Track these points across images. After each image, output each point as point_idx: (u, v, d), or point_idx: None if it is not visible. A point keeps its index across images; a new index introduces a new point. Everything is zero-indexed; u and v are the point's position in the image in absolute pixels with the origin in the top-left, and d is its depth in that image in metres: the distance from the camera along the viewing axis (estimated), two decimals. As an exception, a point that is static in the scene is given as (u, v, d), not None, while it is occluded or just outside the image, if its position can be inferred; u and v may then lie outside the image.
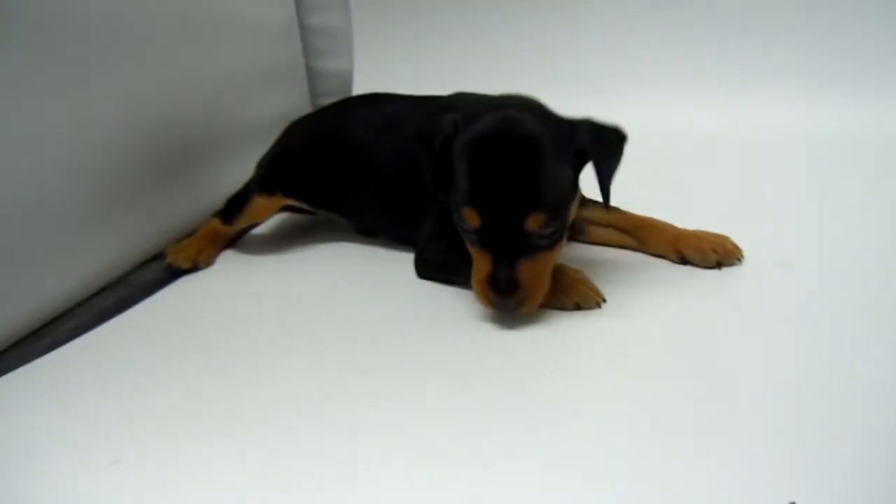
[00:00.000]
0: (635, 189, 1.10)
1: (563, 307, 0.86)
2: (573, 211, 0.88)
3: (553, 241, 0.83)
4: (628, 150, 0.86)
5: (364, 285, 1.01)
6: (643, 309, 0.87)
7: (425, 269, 1.00)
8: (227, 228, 1.16)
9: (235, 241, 1.18)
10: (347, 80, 1.68)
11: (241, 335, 0.90)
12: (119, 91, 1.10)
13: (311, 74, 1.70)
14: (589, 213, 1.02)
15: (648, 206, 1.05)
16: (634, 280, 0.93)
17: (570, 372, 0.78)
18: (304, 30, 1.66)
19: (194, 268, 1.11)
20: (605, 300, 0.86)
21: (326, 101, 1.71)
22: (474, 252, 0.85)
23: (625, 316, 0.85)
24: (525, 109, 0.86)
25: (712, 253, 0.96)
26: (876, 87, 1.40)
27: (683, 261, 0.97)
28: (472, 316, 0.88)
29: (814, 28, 1.43)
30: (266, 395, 0.76)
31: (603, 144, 0.85)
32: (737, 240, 0.98)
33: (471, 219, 0.82)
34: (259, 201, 1.13)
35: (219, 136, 1.28)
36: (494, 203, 0.80)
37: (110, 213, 1.09)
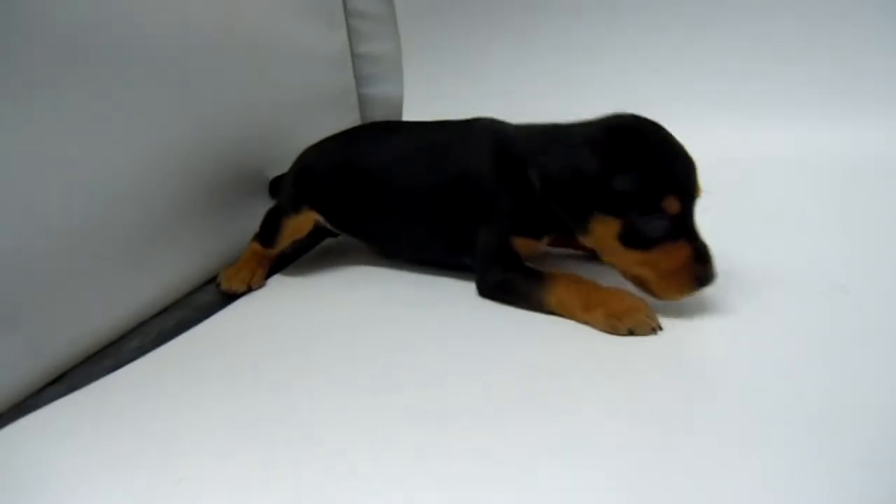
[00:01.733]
0: None
1: (616, 332, 0.87)
2: None
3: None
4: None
5: (413, 306, 1.02)
6: (699, 333, 0.86)
7: (489, 289, 1.00)
8: (269, 251, 1.19)
9: (287, 265, 1.21)
10: (398, 105, 1.71)
11: (298, 355, 0.92)
12: (178, 118, 1.14)
13: (363, 101, 1.74)
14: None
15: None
16: (688, 304, 0.93)
17: (629, 399, 0.77)
18: (356, 57, 1.70)
19: (248, 290, 1.14)
20: (661, 328, 0.87)
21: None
22: (660, 251, 0.87)
23: (681, 341, 0.85)
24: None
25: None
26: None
27: None
28: (512, 332, 0.90)
29: (862, 48, 1.42)
30: (321, 410, 0.78)
31: None
32: (790, 263, 1.00)
33: (672, 206, 0.87)
34: (290, 222, 1.17)
35: (273, 162, 1.32)
36: (687, 184, 0.88)
37: (170, 237, 1.13)
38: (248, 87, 1.33)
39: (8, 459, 0.77)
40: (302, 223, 1.18)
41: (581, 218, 0.91)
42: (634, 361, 0.82)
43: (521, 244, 1.00)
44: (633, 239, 0.88)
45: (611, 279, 0.93)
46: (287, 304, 1.09)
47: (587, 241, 0.94)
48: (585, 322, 0.89)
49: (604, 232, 0.90)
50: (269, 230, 1.19)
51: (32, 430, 0.82)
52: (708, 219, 1.14)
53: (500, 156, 1.01)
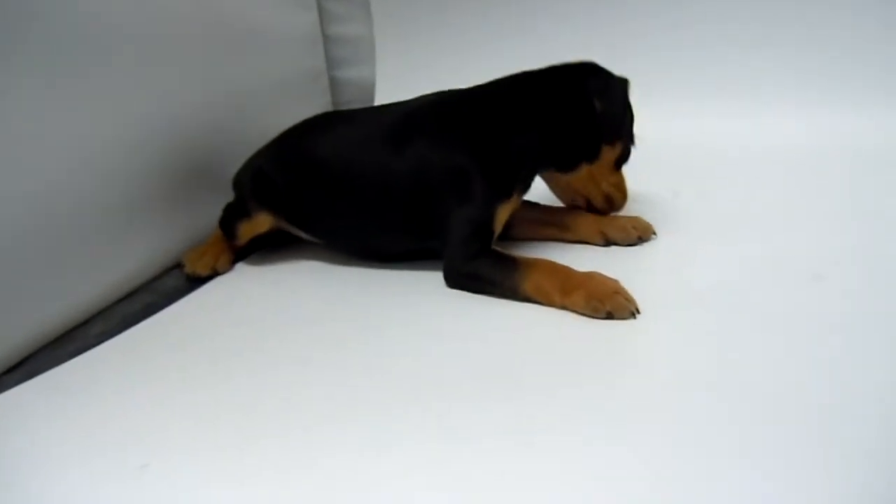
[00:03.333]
0: (668, 199, 1.20)
1: (595, 315, 0.87)
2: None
3: None
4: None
5: (383, 292, 1.01)
6: (673, 319, 0.86)
7: (459, 278, 0.99)
8: (231, 245, 1.17)
9: (255, 250, 1.20)
10: (370, 88, 1.69)
11: (264, 342, 0.91)
12: (144, 101, 1.12)
13: (334, 83, 1.71)
14: (516, 211, 1.06)
15: (680, 216, 1.13)
16: (666, 290, 0.93)
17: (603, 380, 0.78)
18: (327, 39, 1.68)
19: (213, 274, 1.12)
20: (639, 311, 0.87)
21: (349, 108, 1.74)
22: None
23: (656, 326, 0.85)
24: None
25: (633, 230, 1.07)
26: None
27: (607, 242, 1.07)
28: (486, 316, 0.91)
29: (852, 40, 1.43)
30: (289, 398, 0.77)
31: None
32: (769, 251, 1.01)
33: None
34: (245, 225, 1.13)
35: (242, 145, 1.29)
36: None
37: (135, 221, 1.11)
38: (217, 69, 1.31)
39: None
40: (257, 226, 1.14)
41: (608, 139, 1.05)
42: (610, 344, 0.82)
43: (502, 213, 0.99)
44: (620, 162, 1.09)
45: (579, 264, 0.93)
46: (254, 291, 1.08)
47: (581, 173, 1.06)
48: (563, 307, 0.89)
49: (610, 157, 1.07)
50: (227, 227, 1.16)
51: (-9, 417, 0.80)
52: (697, 206, 1.18)
53: (465, 123, 1.01)
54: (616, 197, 1.10)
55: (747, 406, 0.69)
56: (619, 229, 1.07)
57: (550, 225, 1.10)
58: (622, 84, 1.06)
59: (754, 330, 0.82)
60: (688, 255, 1.03)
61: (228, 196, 1.18)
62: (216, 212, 1.21)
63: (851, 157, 1.30)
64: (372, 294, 1.01)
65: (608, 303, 0.86)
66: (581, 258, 0.97)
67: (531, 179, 1.06)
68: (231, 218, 1.15)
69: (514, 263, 0.94)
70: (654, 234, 1.08)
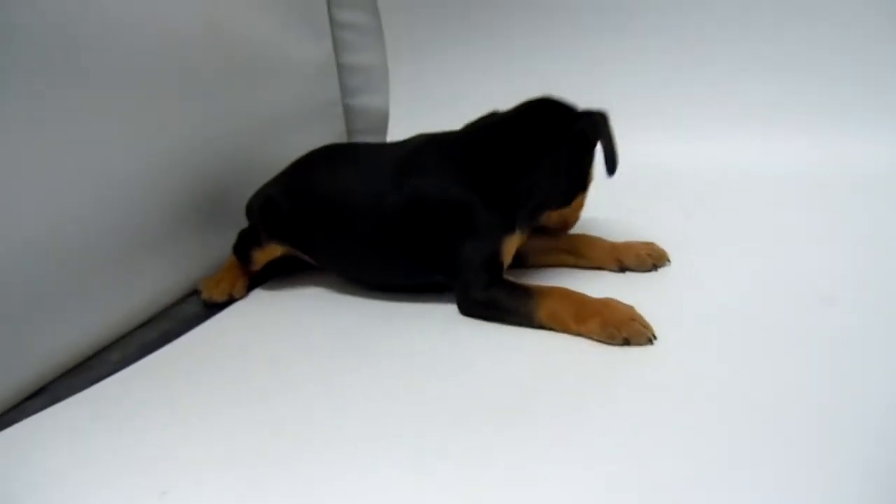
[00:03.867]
0: (680, 222, 1.21)
1: (612, 342, 0.87)
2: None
3: None
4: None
5: (397, 320, 1.02)
6: (689, 344, 0.86)
7: (473, 307, 0.98)
8: (246, 270, 1.18)
9: (272, 276, 1.21)
10: (383, 116, 1.71)
11: (281, 368, 0.91)
12: (161, 131, 1.13)
13: (348, 112, 1.73)
14: (531, 239, 1.08)
15: (693, 239, 1.14)
16: (681, 315, 0.93)
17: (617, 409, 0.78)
18: (341, 68, 1.70)
19: (230, 300, 1.13)
20: (655, 337, 0.87)
21: (362, 138, 1.76)
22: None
23: (671, 352, 0.85)
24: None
25: (648, 258, 1.07)
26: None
27: (622, 269, 1.07)
28: (499, 345, 0.91)
29: (854, 66, 1.43)
30: (307, 423, 0.78)
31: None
32: (781, 274, 1.01)
33: None
34: (257, 253, 1.15)
35: (257, 172, 1.31)
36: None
37: (153, 249, 1.12)
38: (233, 98, 1.32)
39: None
40: (269, 253, 1.15)
41: (611, 171, 1.04)
42: (626, 371, 0.82)
43: (509, 245, 1.00)
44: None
45: (593, 290, 0.93)
46: (270, 317, 1.09)
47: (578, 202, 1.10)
48: (579, 334, 0.89)
49: (593, 176, 1.10)
50: (241, 253, 1.17)
51: (13, 443, 0.81)
52: (710, 229, 1.19)
53: (467, 162, 1.02)
54: (577, 217, 1.13)
55: (764, 430, 0.69)
56: (635, 256, 1.07)
57: (565, 252, 1.11)
58: (605, 117, 1.06)
59: (768, 354, 0.83)
60: (701, 279, 1.03)
61: (243, 223, 1.19)
62: (232, 239, 1.22)
63: (862, 181, 1.30)
64: (388, 320, 1.02)
65: (624, 329, 0.87)
66: (596, 284, 0.97)
67: (538, 217, 1.06)
68: (245, 245, 1.17)
69: (528, 291, 0.95)
70: (669, 260, 1.08)
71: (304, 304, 1.11)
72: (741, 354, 0.83)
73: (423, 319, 1.00)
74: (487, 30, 1.63)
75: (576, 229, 1.14)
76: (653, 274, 1.06)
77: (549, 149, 1.03)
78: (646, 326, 0.87)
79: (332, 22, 1.66)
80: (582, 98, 1.53)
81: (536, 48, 1.62)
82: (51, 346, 0.96)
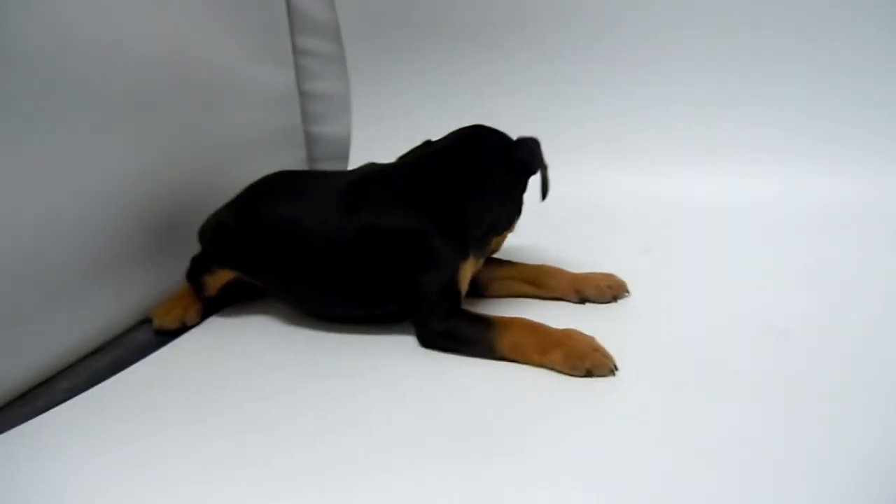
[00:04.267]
0: (637, 257, 1.22)
1: (574, 373, 0.87)
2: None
3: None
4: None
5: (355, 349, 1.01)
6: (649, 375, 0.87)
7: (433, 338, 0.97)
8: (199, 297, 1.16)
9: (227, 304, 1.19)
10: (345, 144, 1.71)
11: (233, 397, 0.90)
12: (118, 155, 1.12)
13: (310, 139, 1.73)
14: (489, 270, 1.11)
15: (651, 273, 1.14)
16: (642, 346, 0.94)
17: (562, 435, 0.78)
18: (304, 95, 1.70)
19: (182, 327, 1.11)
20: (617, 368, 0.88)
21: (324, 165, 1.75)
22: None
23: (632, 383, 0.86)
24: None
25: (608, 289, 1.08)
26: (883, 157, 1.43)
27: (582, 300, 1.08)
28: (460, 374, 0.91)
29: (808, 99, 1.46)
30: (259, 454, 0.76)
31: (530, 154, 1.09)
32: (736, 307, 1.03)
33: None
34: (208, 279, 1.13)
35: (217, 199, 1.29)
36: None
37: (106, 275, 1.09)
38: (193, 123, 1.31)
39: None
40: (220, 280, 1.13)
41: (544, 196, 1.11)
42: (588, 402, 0.83)
43: (465, 271, 1.00)
44: None
45: (554, 321, 0.94)
46: (225, 345, 1.07)
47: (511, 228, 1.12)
48: (541, 365, 0.89)
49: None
50: (193, 280, 1.15)
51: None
52: (667, 263, 1.20)
53: (415, 191, 1.02)
54: (502, 242, 1.15)
55: (723, 459, 0.71)
56: (594, 287, 1.08)
57: (524, 282, 1.11)
58: (539, 144, 1.11)
59: (725, 384, 0.84)
60: (659, 310, 1.05)
61: (198, 249, 1.17)
62: (184, 266, 1.20)
63: (820, 216, 1.34)
64: (345, 349, 1.01)
65: (587, 360, 0.87)
66: (556, 315, 0.98)
67: (488, 242, 1.08)
68: (197, 271, 1.15)
69: (488, 322, 0.95)
70: (628, 291, 1.09)
71: (261, 333, 1.09)
72: (699, 386, 0.85)
73: (381, 348, 0.99)
74: (450, 59, 1.65)
75: (535, 261, 1.14)
76: (612, 305, 1.07)
77: (494, 175, 1.05)
78: (608, 357, 0.88)
79: (295, 49, 1.66)
80: (551, 129, 1.56)
81: (499, 79, 1.63)
82: (-4, 374, 0.93)
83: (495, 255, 1.14)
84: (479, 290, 1.10)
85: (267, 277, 1.10)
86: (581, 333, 0.91)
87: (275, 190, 1.12)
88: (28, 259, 0.97)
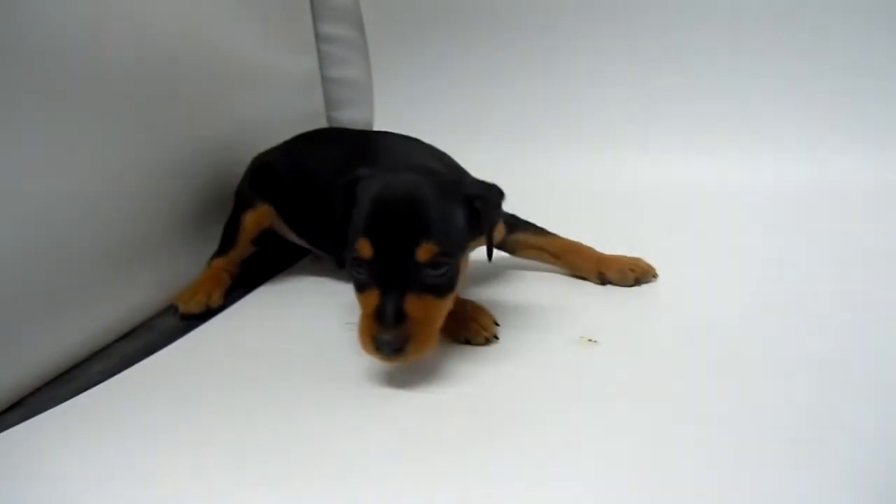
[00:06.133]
0: (662, 238, 1.23)
1: (453, 340, 0.91)
2: (465, 260, 0.91)
3: (443, 287, 0.83)
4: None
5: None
6: (677, 361, 0.87)
7: None
8: (230, 259, 1.20)
9: (249, 291, 1.20)
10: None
11: (262, 379, 0.91)
12: (142, 143, 1.12)
13: (332, 124, 1.74)
14: (519, 236, 1.14)
15: (674, 255, 1.15)
16: (666, 331, 0.94)
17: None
18: (326, 81, 1.71)
19: (207, 311, 1.12)
20: (496, 338, 0.91)
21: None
22: (361, 297, 0.84)
23: (663, 369, 0.86)
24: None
25: (630, 273, 1.08)
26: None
27: (604, 281, 1.09)
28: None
29: (851, 80, 1.46)
30: (290, 436, 0.77)
31: (488, 195, 0.90)
32: (766, 289, 1.03)
33: (364, 249, 0.81)
34: (248, 216, 1.19)
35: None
36: (387, 232, 0.81)
37: (136, 260, 1.11)
38: (217, 111, 1.32)
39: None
40: (260, 217, 1.19)
41: None
42: (609, 385, 0.83)
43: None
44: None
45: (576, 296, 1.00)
46: (252, 328, 1.07)
47: None
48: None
49: None
50: (228, 232, 1.22)
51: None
52: (692, 246, 1.21)
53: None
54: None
55: (742, 443, 0.70)
56: (617, 271, 1.09)
57: (550, 254, 1.14)
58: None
59: (751, 369, 0.84)
60: (683, 293, 1.05)
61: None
62: (211, 251, 1.22)
63: (844, 196, 1.33)
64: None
65: (464, 329, 0.92)
66: (580, 291, 1.00)
67: None
68: (232, 219, 1.21)
69: None
70: (656, 276, 1.09)
71: (288, 314, 1.10)
72: (725, 368, 0.84)
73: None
74: (471, 44, 1.66)
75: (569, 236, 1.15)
76: (638, 287, 1.08)
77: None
78: (485, 327, 0.92)
79: (318, 36, 1.67)
80: (572, 115, 1.56)
81: (520, 64, 1.63)
82: (29, 359, 0.94)
83: (531, 221, 1.15)
84: (507, 250, 1.15)
85: (291, 215, 1.18)
86: (467, 301, 0.95)
87: (317, 139, 1.23)
88: (61, 246, 0.98)
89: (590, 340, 0.92)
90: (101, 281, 1.04)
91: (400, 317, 0.79)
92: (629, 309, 1.01)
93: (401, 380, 0.86)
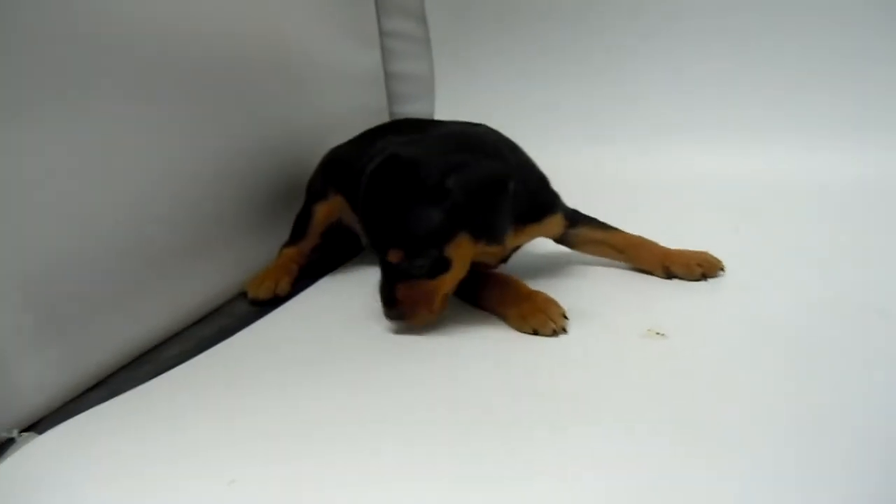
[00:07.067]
0: (727, 235, 1.22)
1: (521, 330, 0.94)
2: (462, 246, 0.94)
3: (428, 273, 0.93)
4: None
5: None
6: (746, 359, 0.87)
7: None
8: (300, 249, 1.24)
9: (314, 280, 1.23)
10: (429, 124, 1.73)
11: (335, 360, 0.93)
12: (217, 131, 1.16)
13: (394, 119, 1.75)
14: (580, 230, 1.14)
15: (741, 251, 1.13)
16: (734, 328, 0.94)
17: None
18: (389, 76, 1.73)
19: (275, 298, 1.15)
20: (564, 330, 0.92)
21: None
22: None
23: (732, 366, 0.85)
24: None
25: (697, 267, 1.07)
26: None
27: (669, 275, 1.08)
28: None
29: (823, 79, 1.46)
30: (363, 418, 0.79)
31: (471, 195, 0.91)
32: (835, 287, 1.02)
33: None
34: (319, 207, 1.23)
35: (305, 179, 1.33)
36: (370, 237, 0.97)
37: (210, 247, 1.14)
38: (284, 105, 1.35)
39: (55, 460, 0.77)
40: (331, 208, 1.23)
41: None
42: (681, 381, 0.83)
43: None
44: None
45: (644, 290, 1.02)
46: (325, 314, 1.10)
47: None
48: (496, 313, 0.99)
49: None
50: (299, 223, 1.26)
51: (77, 434, 0.82)
52: (758, 242, 1.20)
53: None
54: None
55: (816, 441, 0.69)
56: (683, 265, 1.08)
57: (614, 249, 1.14)
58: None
59: (822, 366, 0.83)
60: (750, 290, 1.04)
61: (290, 226, 1.26)
62: (280, 240, 1.25)
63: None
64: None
65: (532, 320, 0.94)
66: (646, 285, 1.02)
67: None
68: (304, 210, 1.25)
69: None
70: (723, 270, 1.08)
71: (361, 302, 1.09)
72: (796, 365, 0.84)
73: (476, 320, 1.00)
74: (534, 39, 1.66)
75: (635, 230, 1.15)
76: (705, 282, 1.07)
77: None
78: (553, 319, 0.93)
79: (381, 30, 1.69)
80: (637, 109, 1.55)
81: (583, 58, 1.63)
82: (111, 340, 0.98)
83: (594, 216, 1.15)
84: (568, 245, 1.16)
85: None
86: (538, 293, 0.96)
87: (382, 131, 1.26)
88: (134, 232, 1.01)
89: (657, 334, 0.92)
90: (178, 267, 1.08)
91: (392, 301, 0.95)
92: (697, 303, 1.01)
93: (465, 367, 0.88)
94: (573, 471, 0.67)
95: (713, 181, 1.44)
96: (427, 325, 0.97)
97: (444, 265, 0.94)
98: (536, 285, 1.00)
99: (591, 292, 1.06)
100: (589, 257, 1.17)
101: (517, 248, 1.12)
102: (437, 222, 0.91)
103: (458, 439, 0.73)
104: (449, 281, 0.96)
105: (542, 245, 1.17)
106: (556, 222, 1.10)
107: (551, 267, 1.16)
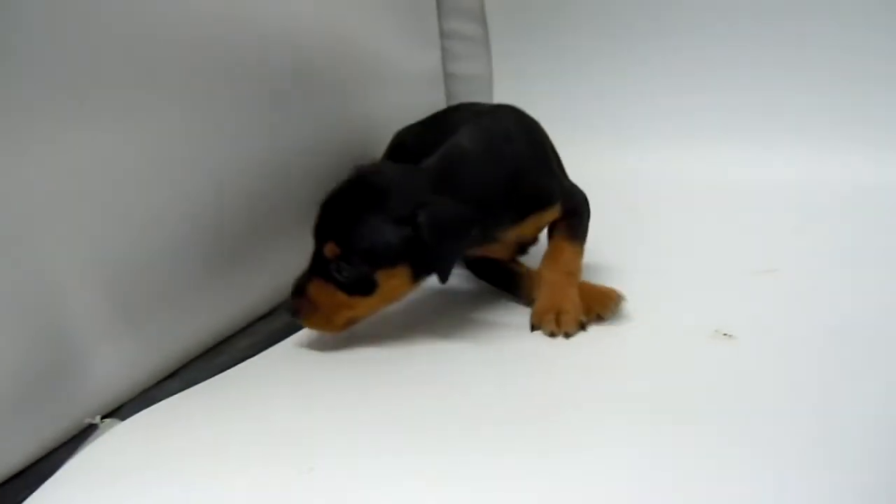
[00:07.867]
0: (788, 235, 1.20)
1: (588, 318, 0.95)
2: (396, 278, 0.93)
3: (346, 286, 0.92)
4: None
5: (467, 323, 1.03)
6: (814, 359, 0.87)
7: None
8: None
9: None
10: (487, 124, 1.74)
11: (402, 352, 0.95)
12: (285, 129, 1.18)
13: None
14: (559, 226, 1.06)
15: (802, 252, 1.13)
16: (797, 329, 0.93)
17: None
18: (448, 77, 1.74)
19: None
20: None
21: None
22: None
23: (800, 367, 0.86)
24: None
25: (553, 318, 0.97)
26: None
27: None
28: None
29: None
30: (430, 407, 0.81)
31: (434, 236, 0.89)
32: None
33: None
34: None
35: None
36: (316, 226, 0.95)
37: (278, 242, 1.16)
38: (345, 104, 1.36)
39: (137, 446, 0.80)
40: None
41: None
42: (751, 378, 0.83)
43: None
44: None
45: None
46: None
47: None
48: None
49: None
50: None
51: (154, 423, 0.84)
52: (820, 243, 1.19)
53: None
54: None
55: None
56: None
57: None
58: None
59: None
60: (814, 290, 1.04)
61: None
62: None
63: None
64: (480, 321, 1.04)
65: (596, 305, 0.96)
66: (712, 284, 1.04)
67: None
68: None
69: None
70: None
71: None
72: (864, 365, 0.84)
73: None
74: (592, 40, 1.65)
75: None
76: (766, 283, 1.06)
77: None
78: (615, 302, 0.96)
79: (442, 31, 1.70)
80: (695, 111, 1.55)
81: (641, 59, 1.62)
82: (185, 331, 1.01)
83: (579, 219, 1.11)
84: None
85: None
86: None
87: (446, 114, 1.26)
88: (208, 227, 1.04)
89: (725, 335, 0.91)
90: (248, 261, 1.11)
91: (300, 291, 0.94)
92: (765, 305, 1.00)
93: (527, 370, 0.90)
94: (651, 473, 0.68)
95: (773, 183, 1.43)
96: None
97: (368, 286, 0.92)
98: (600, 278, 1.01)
99: (655, 290, 1.05)
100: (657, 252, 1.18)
101: (533, 240, 1.12)
102: (388, 242, 0.90)
103: (519, 445, 0.74)
104: (363, 305, 0.94)
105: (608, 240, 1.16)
106: (553, 212, 1.06)
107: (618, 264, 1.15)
